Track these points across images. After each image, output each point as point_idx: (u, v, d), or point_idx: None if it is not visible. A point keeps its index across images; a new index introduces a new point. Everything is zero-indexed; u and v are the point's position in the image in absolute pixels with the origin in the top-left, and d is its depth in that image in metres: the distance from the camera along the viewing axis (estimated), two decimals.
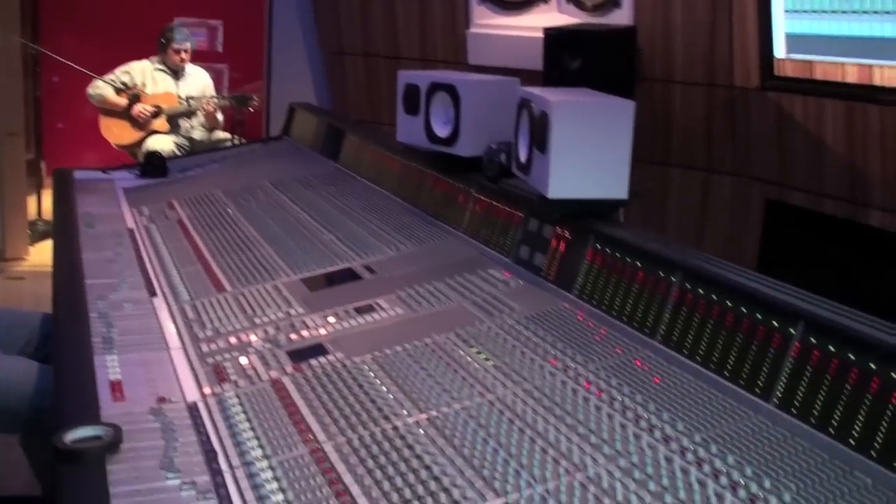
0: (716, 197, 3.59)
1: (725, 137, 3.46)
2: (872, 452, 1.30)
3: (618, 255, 1.96)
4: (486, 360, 1.83)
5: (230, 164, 4.33)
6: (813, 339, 1.45)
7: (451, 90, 2.65)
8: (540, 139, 2.11)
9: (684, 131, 3.59)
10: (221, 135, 6.58)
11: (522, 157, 2.28)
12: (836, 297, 1.53)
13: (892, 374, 1.31)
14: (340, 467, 1.51)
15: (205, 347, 2.09)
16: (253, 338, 2.13)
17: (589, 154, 2.05)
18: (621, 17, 4.45)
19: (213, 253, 2.83)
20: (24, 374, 2.39)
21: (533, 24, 4.81)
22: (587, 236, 2.07)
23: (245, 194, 3.51)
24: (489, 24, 5.08)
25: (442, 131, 2.70)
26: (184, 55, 6.53)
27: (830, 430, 1.37)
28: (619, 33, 4.20)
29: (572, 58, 4.00)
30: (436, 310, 2.15)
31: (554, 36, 4.32)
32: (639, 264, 1.89)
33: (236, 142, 6.03)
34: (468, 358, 1.85)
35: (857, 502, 1.23)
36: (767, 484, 1.29)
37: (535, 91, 2.19)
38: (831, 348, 1.41)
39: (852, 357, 1.38)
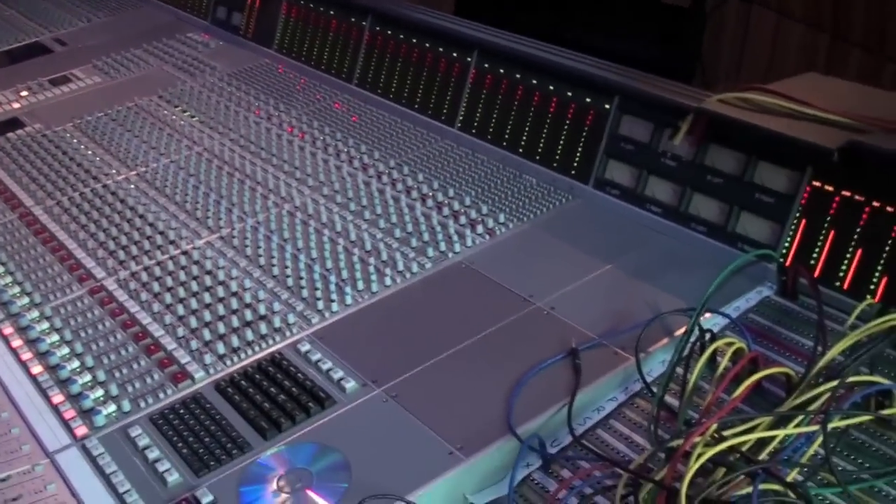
0: None
1: None
2: (536, 157, 1.50)
3: (311, 5, 2.01)
4: (192, 117, 1.87)
5: None
6: (486, 65, 1.61)
7: None
8: None
9: None
10: None
11: None
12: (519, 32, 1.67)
13: (551, 87, 1.49)
14: (53, 227, 1.53)
15: None
16: None
17: None
18: None
19: None
20: None
21: None
22: None
23: None
24: None
25: None
26: None
27: (503, 143, 1.56)
28: None
29: None
30: (135, 75, 2.12)
31: None
32: (332, 13, 1.95)
33: None
34: (173, 117, 1.87)
35: (524, 197, 1.44)
36: (451, 192, 1.47)
37: None
38: (501, 71, 1.58)
39: (518, 76, 1.55)
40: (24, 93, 2.09)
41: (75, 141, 1.83)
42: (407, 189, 1.50)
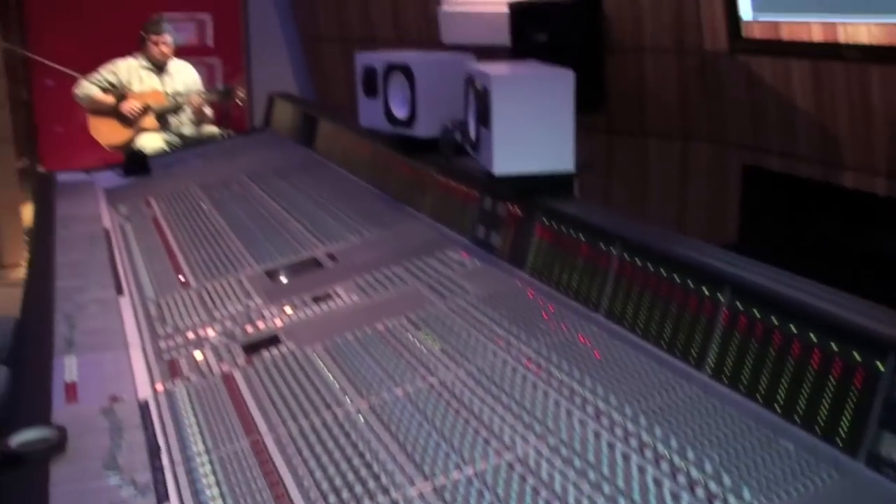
0: (693, 165, 3.55)
1: (699, 104, 3.41)
2: (796, 418, 1.28)
3: (563, 229, 1.94)
4: (433, 342, 1.82)
5: (211, 159, 4.32)
6: (739, 305, 1.43)
7: (405, 70, 2.63)
8: (483, 115, 2.09)
9: (657, 100, 3.54)
10: (211, 129, 6.56)
11: (472, 134, 2.26)
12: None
13: (812, 336, 1.28)
14: (277, 458, 1.50)
15: (163, 344, 2.09)
16: (210, 332, 2.12)
17: (531, 128, 2.02)
18: None
19: (182, 248, 2.83)
20: None
21: None
22: (535, 212, 2.05)
23: (220, 188, 3.50)
24: (460, 0, 5.01)
25: (400, 112, 2.68)
26: (164, 48, 6.43)
27: (757, 397, 1.35)
28: (583, 3, 4.13)
29: (538, 31, 3.95)
30: (391, 295, 2.13)
31: (518, 10, 4.26)
32: (582, 237, 1.87)
33: (225, 135, 6.02)
34: (416, 342, 1.84)
35: (777, 469, 1.21)
36: (690, 454, 1.28)
37: (479, 66, 2.16)
38: (756, 312, 1.39)
39: (775, 320, 1.35)
40: (289, 309, 2.16)
41: (320, 363, 1.83)
42: (640, 446, 1.33)
